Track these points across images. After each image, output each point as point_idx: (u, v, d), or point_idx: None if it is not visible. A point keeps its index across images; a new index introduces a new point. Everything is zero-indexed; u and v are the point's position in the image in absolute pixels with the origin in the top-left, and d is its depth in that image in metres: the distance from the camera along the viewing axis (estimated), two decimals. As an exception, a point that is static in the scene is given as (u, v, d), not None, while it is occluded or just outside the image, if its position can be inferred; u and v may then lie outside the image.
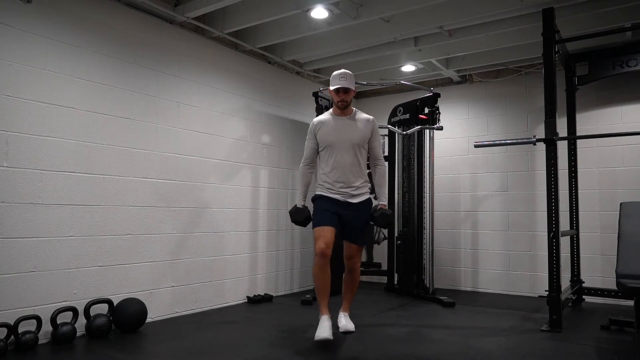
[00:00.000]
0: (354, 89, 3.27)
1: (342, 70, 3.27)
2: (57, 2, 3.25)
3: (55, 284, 3.15)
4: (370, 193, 3.41)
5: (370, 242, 5.43)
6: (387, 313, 4.13)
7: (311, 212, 3.35)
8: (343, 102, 3.24)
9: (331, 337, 3.01)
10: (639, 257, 3.01)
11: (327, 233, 3.15)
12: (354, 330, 3.22)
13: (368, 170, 3.46)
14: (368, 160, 3.38)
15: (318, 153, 3.36)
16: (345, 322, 3.27)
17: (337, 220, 3.22)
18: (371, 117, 3.36)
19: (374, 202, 3.33)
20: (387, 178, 3.47)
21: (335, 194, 3.23)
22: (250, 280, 4.66)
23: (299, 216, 3.35)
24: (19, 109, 3.03)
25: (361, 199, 3.26)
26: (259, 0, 4.01)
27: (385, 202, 3.35)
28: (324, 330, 3.04)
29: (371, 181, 3.41)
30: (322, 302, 3.18)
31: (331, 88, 3.26)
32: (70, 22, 3.32)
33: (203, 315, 3.99)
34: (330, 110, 3.39)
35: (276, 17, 4.04)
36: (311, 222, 3.34)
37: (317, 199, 3.33)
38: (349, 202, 3.23)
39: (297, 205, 3.37)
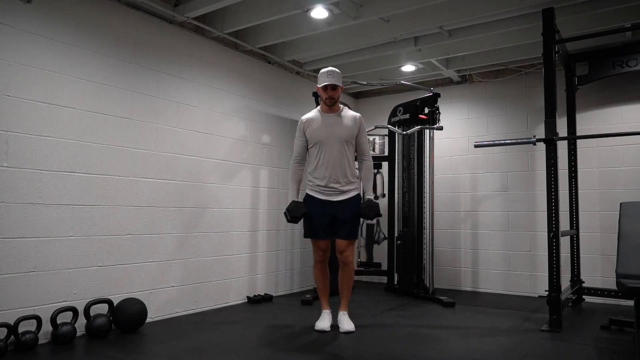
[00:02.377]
0: (341, 86, 3.37)
1: (330, 68, 3.36)
2: (57, 2, 3.24)
3: (55, 284, 3.15)
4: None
5: (370, 242, 5.44)
6: (387, 313, 4.13)
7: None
8: (331, 99, 3.34)
9: (329, 329, 3.36)
10: (639, 257, 3.01)
11: (321, 244, 3.43)
12: (353, 330, 3.36)
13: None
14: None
15: (307, 150, 3.47)
16: (344, 322, 3.39)
17: (328, 227, 3.39)
18: (358, 114, 3.46)
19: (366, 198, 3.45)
20: (373, 173, 3.62)
21: (324, 192, 3.37)
22: (250, 280, 4.66)
23: (297, 211, 3.38)
24: (19, 109, 3.03)
25: (350, 195, 3.40)
26: (258, 0, 4.01)
27: (372, 196, 3.44)
28: (324, 322, 3.40)
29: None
30: (323, 299, 3.56)
31: (319, 85, 3.34)
32: (70, 22, 3.32)
33: (203, 315, 3.98)
34: (318, 107, 3.51)
35: (276, 17, 4.04)
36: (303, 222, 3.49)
37: (307, 201, 3.45)
38: (338, 200, 3.37)
39: (295, 200, 3.43)
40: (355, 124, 3.40)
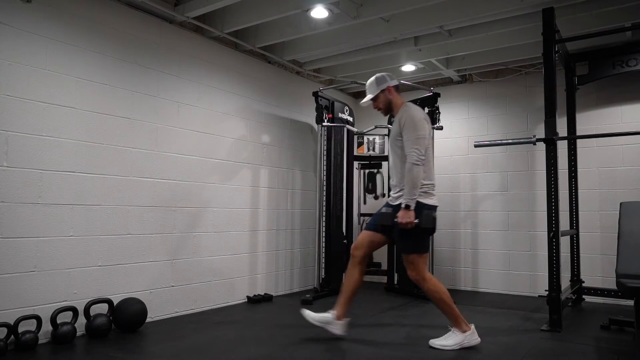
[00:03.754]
0: (374, 96, 3.23)
1: (369, 80, 3.29)
2: (57, 2, 3.24)
3: (55, 284, 3.15)
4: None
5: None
6: (387, 313, 4.13)
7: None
8: (378, 109, 3.33)
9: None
10: (639, 257, 3.01)
11: (361, 236, 3.28)
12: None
13: None
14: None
15: None
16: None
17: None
18: (404, 107, 3.15)
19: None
20: (413, 175, 2.92)
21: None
22: (250, 280, 4.66)
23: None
24: (19, 109, 3.03)
25: (397, 202, 3.08)
26: (258, 0, 4.01)
27: (404, 204, 2.93)
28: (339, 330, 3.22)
29: None
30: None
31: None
32: (70, 22, 3.32)
33: (203, 315, 3.99)
34: None
35: (276, 17, 4.04)
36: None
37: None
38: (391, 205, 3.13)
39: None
40: (398, 121, 3.09)
